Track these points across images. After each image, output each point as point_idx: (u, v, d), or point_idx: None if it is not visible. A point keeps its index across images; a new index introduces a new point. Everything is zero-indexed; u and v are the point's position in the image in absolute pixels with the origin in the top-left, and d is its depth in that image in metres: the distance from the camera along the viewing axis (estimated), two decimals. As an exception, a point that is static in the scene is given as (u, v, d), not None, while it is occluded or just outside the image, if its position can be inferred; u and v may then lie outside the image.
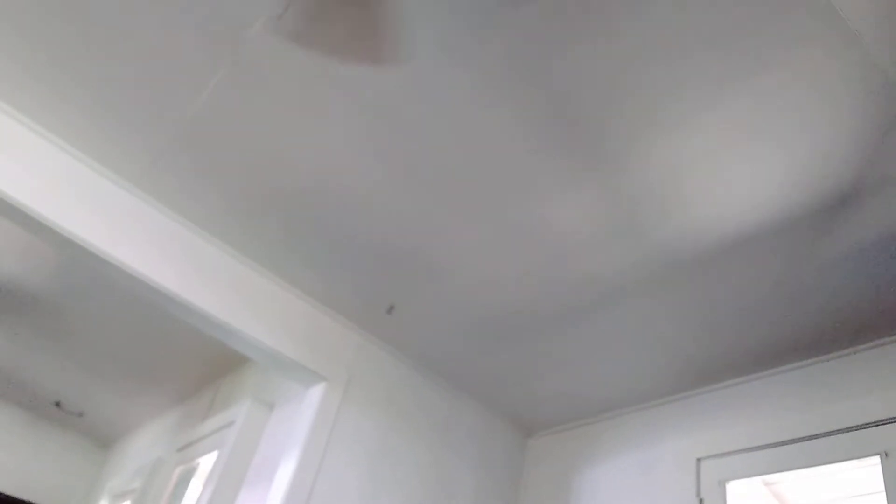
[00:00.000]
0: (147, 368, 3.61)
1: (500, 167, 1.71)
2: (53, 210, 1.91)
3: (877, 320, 1.86)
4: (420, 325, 2.41)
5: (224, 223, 2.16)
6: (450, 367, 2.60)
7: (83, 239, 1.95)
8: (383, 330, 2.49)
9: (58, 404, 4.51)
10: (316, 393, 2.33)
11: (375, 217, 1.96)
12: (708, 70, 1.37)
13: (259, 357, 2.34)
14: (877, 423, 1.78)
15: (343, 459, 2.28)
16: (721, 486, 2.05)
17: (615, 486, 2.39)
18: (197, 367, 3.45)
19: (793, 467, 1.92)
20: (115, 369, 3.72)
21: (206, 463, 3.04)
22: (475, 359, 2.51)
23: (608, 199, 1.71)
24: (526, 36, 1.39)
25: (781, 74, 1.34)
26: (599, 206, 1.74)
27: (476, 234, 1.93)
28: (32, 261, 2.89)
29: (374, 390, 2.48)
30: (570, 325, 2.18)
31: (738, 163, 1.53)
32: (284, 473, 2.16)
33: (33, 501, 4.61)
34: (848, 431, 1.84)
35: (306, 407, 2.33)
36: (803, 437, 1.92)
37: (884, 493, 1.69)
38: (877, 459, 1.76)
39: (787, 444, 1.96)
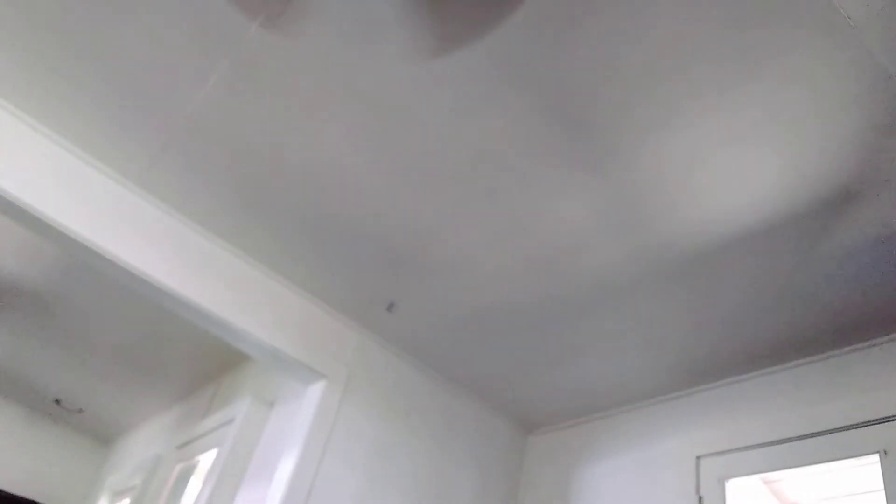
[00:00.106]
0: (147, 366, 3.61)
1: (503, 163, 1.71)
2: (52, 207, 1.91)
3: (876, 318, 1.86)
4: (420, 323, 2.41)
5: (224, 220, 2.16)
6: (450, 364, 2.61)
7: (82, 236, 1.95)
8: (383, 327, 2.49)
9: (58, 401, 4.50)
10: (316, 390, 2.34)
11: (375, 214, 1.96)
12: (711, 70, 1.37)
13: (259, 355, 2.34)
14: (876, 422, 1.79)
15: (343, 457, 2.29)
16: (721, 483, 2.05)
17: (615, 484, 2.40)
18: (197, 365, 3.46)
19: (792, 465, 1.92)
20: (116, 367, 3.72)
21: (206, 460, 3.04)
22: (475, 356, 2.51)
23: (609, 197, 1.71)
24: (530, 33, 1.39)
25: (784, 74, 1.34)
26: (600, 204, 1.74)
27: (477, 230, 1.93)
28: (32, 258, 2.89)
29: (374, 388, 2.49)
30: (570, 322, 2.19)
31: (738, 162, 1.53)
32: (284, 470, 2.16)
33: (33, 499, 4.62)
34: (847, 429, 1.84)
35: (306, 404, 2.33)
36: (803, 435, 1.92)
37: (883, 491, 1.70)
38: (876, 457, 1.76)
39: (786, 442, 1.96)
